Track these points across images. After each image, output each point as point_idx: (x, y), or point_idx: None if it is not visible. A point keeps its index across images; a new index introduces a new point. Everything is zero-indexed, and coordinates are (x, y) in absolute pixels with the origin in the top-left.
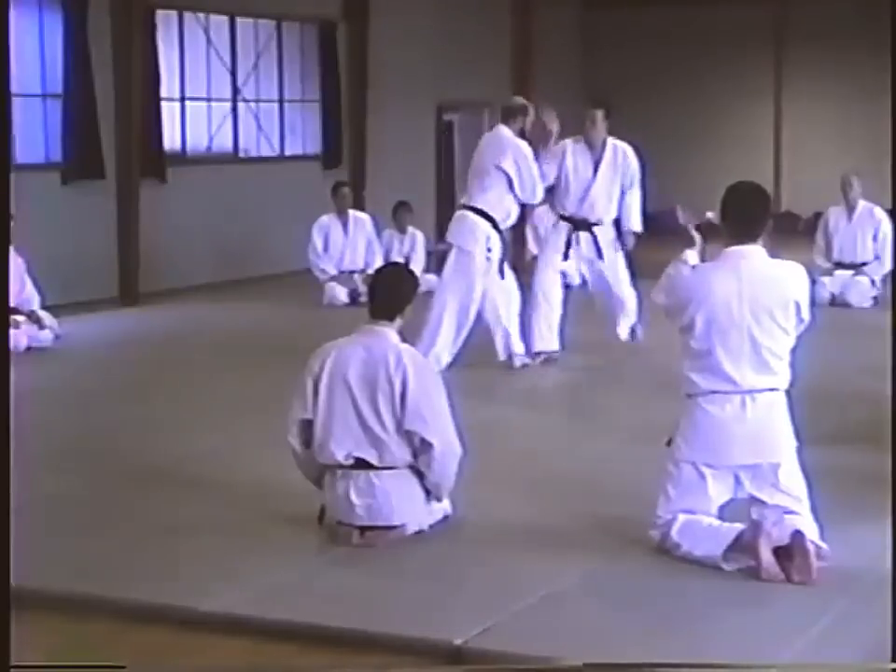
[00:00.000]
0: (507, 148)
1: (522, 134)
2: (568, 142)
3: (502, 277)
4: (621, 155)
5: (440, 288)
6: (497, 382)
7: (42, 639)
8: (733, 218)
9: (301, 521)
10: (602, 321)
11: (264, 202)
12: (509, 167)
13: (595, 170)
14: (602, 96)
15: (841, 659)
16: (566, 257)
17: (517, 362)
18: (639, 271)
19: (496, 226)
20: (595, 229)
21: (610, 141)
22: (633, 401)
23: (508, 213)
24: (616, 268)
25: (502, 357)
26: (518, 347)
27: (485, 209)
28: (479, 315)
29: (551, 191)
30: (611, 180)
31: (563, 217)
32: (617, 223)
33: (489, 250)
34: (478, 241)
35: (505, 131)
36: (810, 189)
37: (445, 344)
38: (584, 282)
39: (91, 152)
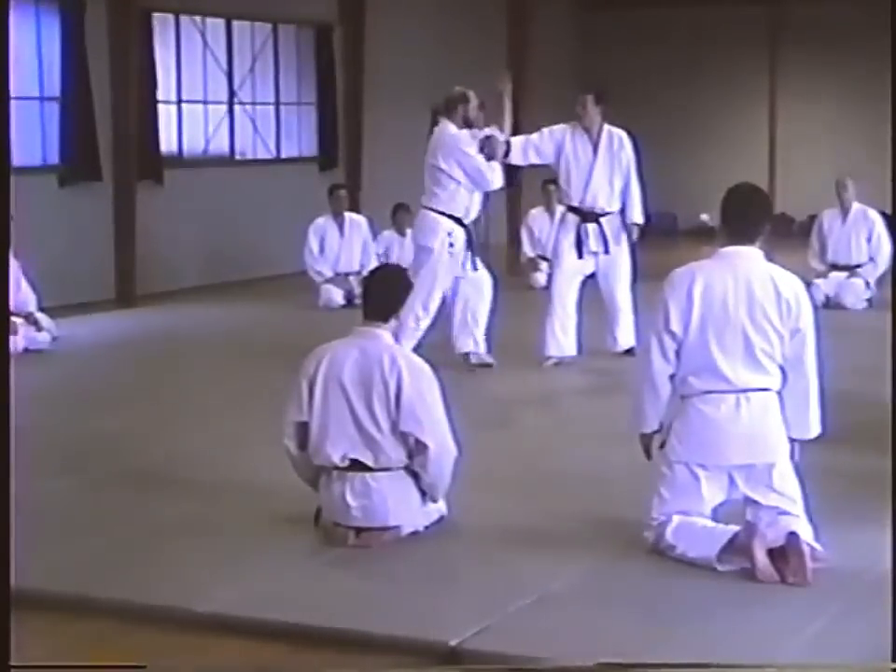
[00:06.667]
0: (444, 149)
1: (467, 122)
2: (567, 127)
3: (475, 269)
4: (616, 140)
5: None
6: (494, 382)
7: (42, 639)
8: (731, 219)
9: (297, 522)
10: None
11: (260, 204)
12: (450, 168)
13: (595, 154)
14: (594, 83)
15: (836, 660)
16: (580, 254)
17: (473, 360)
18: (637, 273)
19: (459, 221)
20: (602, 220)
21: (606, 127)
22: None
23: (466, 207)
24: (618, 264)
25: (467, 350)
26: (481, 346)
27: (442, 209)
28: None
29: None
30: (610, 165)
31: (570, 209)
32: (622, 215)
33: (451, 245)
34: (438, 237)
35: (446, 127)
36: (805, 191)
37: (408, 339)
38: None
39: (89, 155)
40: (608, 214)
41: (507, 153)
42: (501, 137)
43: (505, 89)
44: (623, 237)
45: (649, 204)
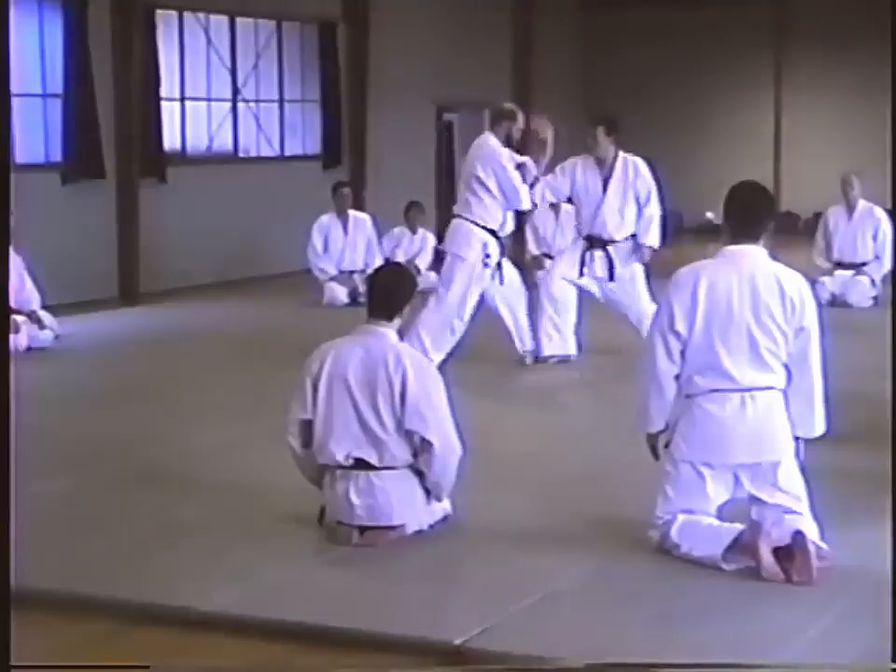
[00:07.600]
0: (484, 158)
1: (508, 140)
2: (578, 160)
3: (501, 283)
4: (632, 170)
5: (438, 295)
6: (497, 380)
7: (42, 639)
8: (734, 217)
9: (300, 521)
10: (610, 323)
11: (264, 202)
12: (487, 178)
13: (605, 187)
14: (604, 112)
15: (840, 659)
16: (580, 273)
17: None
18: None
19: (493, 233)
20: (609, 247)
21: (621, 156)
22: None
23: (501, 221)
24: (632, 286)
25: (522, 350)
26: (527, 343)
27: (478, 220)
28: (472, 317)
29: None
30: (622, 197)
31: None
32: (633, 237)
33: (487, 256)
34: (473, 248)
35: (488, 139)
36: (810, 189)
37: (441, 348)
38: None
39: (91, 152)
40: (615, 242)
41: (532, 186)
42: (534, 171)
43: (547, 134)
44: (635, 258)
45: None
